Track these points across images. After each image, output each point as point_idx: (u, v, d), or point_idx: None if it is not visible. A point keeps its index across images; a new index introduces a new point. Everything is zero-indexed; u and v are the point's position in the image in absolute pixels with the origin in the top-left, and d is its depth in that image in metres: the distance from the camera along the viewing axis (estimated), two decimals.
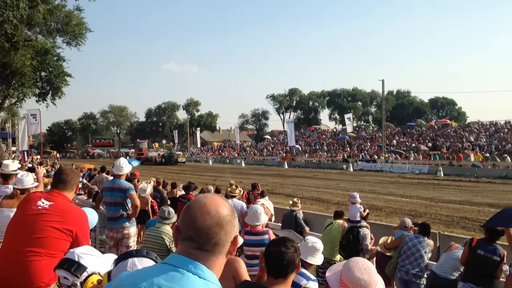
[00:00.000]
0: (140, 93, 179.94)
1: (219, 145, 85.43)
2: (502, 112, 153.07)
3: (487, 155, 35.53)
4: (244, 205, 8.70)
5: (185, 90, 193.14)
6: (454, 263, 5.65)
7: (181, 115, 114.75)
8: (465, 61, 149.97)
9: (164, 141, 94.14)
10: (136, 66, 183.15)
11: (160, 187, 10.83)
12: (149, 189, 9.60)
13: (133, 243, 6.31)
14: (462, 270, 5.59)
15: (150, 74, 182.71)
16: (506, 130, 43.07)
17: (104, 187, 6.48)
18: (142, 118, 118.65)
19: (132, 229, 6.29)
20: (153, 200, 9.90)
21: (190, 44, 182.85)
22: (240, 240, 1.50)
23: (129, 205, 6.17)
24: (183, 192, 10.67)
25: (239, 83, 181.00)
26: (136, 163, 38.29)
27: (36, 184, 5.21)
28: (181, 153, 64.02)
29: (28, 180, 4.95)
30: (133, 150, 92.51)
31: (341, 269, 2.27)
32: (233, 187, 9.80)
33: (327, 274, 2.36)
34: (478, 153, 36.26)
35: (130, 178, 8.27)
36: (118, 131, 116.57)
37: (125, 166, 6.35)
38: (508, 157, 34.22)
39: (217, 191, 10.46)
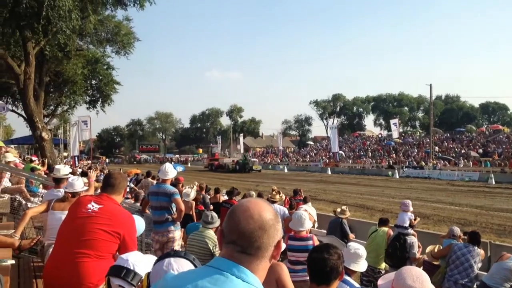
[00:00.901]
0: (185, 100, 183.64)
1: (262, 151, 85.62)
2: None
3: None
4: (286, 211, 8.71)
5: (228, 97, 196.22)
6: (506, 274, 5.39)
7: (225, 121, 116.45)
8: None
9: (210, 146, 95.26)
10: (181, 73, 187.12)
11: (203, 192, 10.99)
12: (193, 193, 9.76)
13: (177, 247, 6.43)
14: None
15: (194, 81, 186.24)
16: None
17: (150, 192, 6.65)
18: (186, 124, 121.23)
19: (177, 233, 6.41)
20: (200, 205, 10.04)
21: (232, 50, 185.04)
22: (283, 245, 1.50)
23: (174, 209, 6.30)
24: (226, 197, 10.79)
25: (282, 88, 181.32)
26: (180, 168, 38.84)
27: (86, 188, 5.41)
28: (256, 160, 57.90)
29: (79, 184, 5.14)
30: (177, 155, 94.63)
31: (393, 277, 2.23)
32: (274, 192, 9.81)
33: (379, 282, 2.33)
34: None
35: (175, 183, 8.44)
36: (164, 137, 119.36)
37: (170, 171, 6.50)
38: None
39: (259, 196, 10.51)
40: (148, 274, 1.96)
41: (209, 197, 11.24)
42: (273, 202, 9.28)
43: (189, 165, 70.16)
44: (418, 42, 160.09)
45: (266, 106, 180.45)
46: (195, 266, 1.84)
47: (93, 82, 33.83)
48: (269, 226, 1.41)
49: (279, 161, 65.70)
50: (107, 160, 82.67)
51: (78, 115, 38.03)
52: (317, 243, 5.25)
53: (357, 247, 3.65)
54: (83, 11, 18.25)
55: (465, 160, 40.22)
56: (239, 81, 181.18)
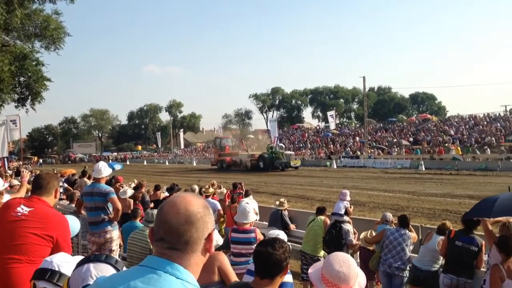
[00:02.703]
0: (122, 96, 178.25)
1: (203, 146, 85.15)
2: (481, 105, 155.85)
3: (468, 147, 36.21)
4: (217, 204, 8.88)
5: (167, 92, 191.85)
6: (433, 255, 5.75)
7: (164, 117, 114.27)
8: (444, 55, 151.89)
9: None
10: (117, 69, 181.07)
11: (143, 190, 10.76)
12: (130, 191, 9.55)
13: (115, 247, 6.27)
14: (442, 261, 5.70)
15: (132, 76, 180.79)
16: (485, 123, 43.85)
17: (84, 192, 6.43)
18: (124, 121, 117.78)
19: (114, 233, 6.25)
20: (139, 203, 9.81)
21: (171, 45, 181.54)
22: (218, 238, 1.50)
23: (110, 209, 6.13)
24: (167, 194, 10.65)
25: (221, 83, 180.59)
26: (119, 166, 37.48)
27: (6, 185, 5.13)
28: (293, 153, 42.75)
29: None
30: (115, 153, 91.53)
31: (322, 265, 2.29)
32: (207, 186, 9.86)
33: (309, 271, 2.35)
34: (458, 147, 36.87)
35: (111, 181, 8.20)
36: (100, 135, 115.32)
37: (104, 169, 6.31)
38: (488, 149, 34.89)
39: (200, 191, 10.50)
40: (69, 280, 1.90)
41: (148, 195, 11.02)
42: (207, 196, 9.34)
43: (128, 162, 68.33)
44: (350, 36, 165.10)
45: (206, 100, 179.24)
46: (117, 269, 1.81)
47: (22, 79, 31.85)
48: (197, 219, 1.39)
49: None
50: (41, 161, 78.61)
51: (6, 114, 35.99)
52: (260, 235, 5.32)
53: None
54: (9, 4, 17.20)
55: (398, 149, 42.26)
56: (179, 76, 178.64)
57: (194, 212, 1.39)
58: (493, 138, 37.62)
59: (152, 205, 9.82)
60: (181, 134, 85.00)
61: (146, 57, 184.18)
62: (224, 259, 3.79)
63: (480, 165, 30.52)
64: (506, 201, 5.07)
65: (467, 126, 44.36)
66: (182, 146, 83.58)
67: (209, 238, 1.43)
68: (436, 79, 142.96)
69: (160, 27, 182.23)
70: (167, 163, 63.50)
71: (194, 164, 57.51)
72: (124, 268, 1.86)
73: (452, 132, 43.25)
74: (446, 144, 38.76)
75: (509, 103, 59.48)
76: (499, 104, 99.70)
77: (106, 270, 1.77)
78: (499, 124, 41.69)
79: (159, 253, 1.37)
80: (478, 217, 5.30)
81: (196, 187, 10.73)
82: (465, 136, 40.98)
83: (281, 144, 49.64)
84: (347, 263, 2.19)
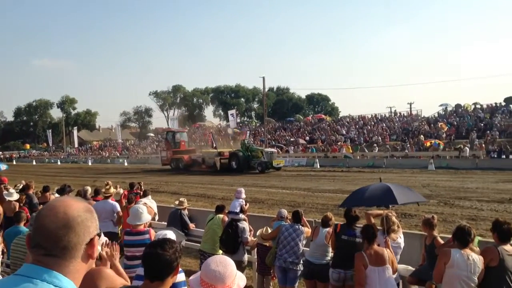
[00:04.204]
0: (7, 91, 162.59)
1: (99, 144, 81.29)
2: (369, 106, 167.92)
3: (358, 145, 39.03)
4: (117, 205, 8.55)
5: (59, 87, 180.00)
6: (323, 249, 6.12)
7: (56, 113, 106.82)
8: (337, 58, 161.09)
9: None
10: (1, 62, 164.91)
11: (31, 191, 10.00)
12: (16, 194, 8.85)
13: None
14: (331, 254, 6.10)
15: (19, 70, 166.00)
16: (372, 123, 47.50)
17: None
18: (10, 117, 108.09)
19: None
20: (24, 206, 9.10)
21: (65, 38, 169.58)
22: (102, 241, 1.46)
23: None
24: (57, 196, 10.01)
25: (119, 79, 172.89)
26: (4, 166, 34.06)
27: None
28: (275, 150, 34.46)
29: None
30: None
31: (201, 269, 2.30)
32: (107, 186, 9.45)
33: (190, 278, 2.32)
34: (349, 145, 39.53)
35: None
36: None
37: None
38: (376, 148, 37.88)
39: (96, 193, 10.04)
40: None
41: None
42: (107, 197, 8.96)
43: (14, 162, 62.89)
44: (251, 36, 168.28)
45: (102, 97, 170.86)
46: None
47: None
48: (76, 223, 1.33)
49: (118, 154, 63.19)
50: None
51: None
52: (154, 236, 5.24)
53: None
54: None
55: (295, 147, 44.09)
56: (72, 71, 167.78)
57: (74, 216, 1.33)
58: (380, 138, 40.90)
59: (40, 207, 9.17)
60: (75, 132, 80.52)
61: (35, 50, 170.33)
62: (111, 276, 3.57)
63: (368, 162, 33.00)
64: (374, 191, 5.68)
65: (357, 126, 47.65)
66: (76, 145, 79.01)
67: (91, 243, 1.37)
68: (331, 81, 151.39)
69: (50, 17, 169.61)
70: (59, 163, 59.69)
71: (90, 163, 54.59)
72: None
73: (344, 132, 46.22)
74: (339, 143, 41.32)
75: (394, 105, 65.03)
76: (385, 106, 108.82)
77: None
78: (384, 124, 45.44)
79: (35, 260, 1.30)
80: (352, 206, 5.82)
81: (89, 188, 10.24)
82: (355, 136, 44.01)
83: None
84: (224, 263, 2.21)
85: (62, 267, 1.30)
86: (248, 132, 42.17)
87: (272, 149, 33.53)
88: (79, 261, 1.35)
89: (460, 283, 4.31)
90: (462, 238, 4.47)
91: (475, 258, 4.36)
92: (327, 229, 6.14)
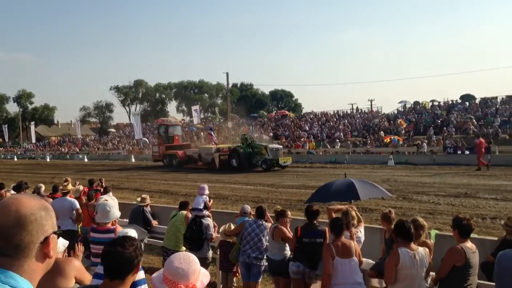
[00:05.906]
0: None
1: (58, 140, 78.93)
2: (331, 103, 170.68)
3: (320, 141, 39.55)
4: (76, 203, 8.37)
5: (15, 81, 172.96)
6: (281, 246, 6.17)
7: (12, 108, 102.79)
8: (300, 55, 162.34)
9: None
10: None
11: None
12: None
13: None
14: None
15: None
16: (335, 119, 48.24)
17: None
18: None
19: None
20: None
21: (21, 29, 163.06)
22: (58, 240, 1.42)
23: None
24: (13, 193, 9.67)
25: (79, 74, 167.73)
26: None
27: None
28: (281, 146, 31.15)
29: None
30: None
31: (164, 266, 2.28)
32: (66, 183, 9.21)
33: (153, 275, 2.28)
34: (312, 141, 40.03)
35: None
36: None
37: None
38: (338, 144, 38.51)
39: (54, 190, 9.79)
40: None
41: None
42: (65, 194, 8.73)
43: None
44: (216, 31, 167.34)
45: (61, 92, 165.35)
46: None
47: None
48: (29, 221, 1.30)
49: (78, 150, 61.57)
50: None
51: None
52: None
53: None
54: None
55: None
56: (29, 64, 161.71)
57: (26, 214, 1.30)
58: (342, 134, 41.61)
59: None
60: (32, 127, 77.59)
61: None
62: (81, 268, 3.63)
63: (330, 158, 33.51)
64: (339, 186, 5.79)
65: (320, 122, 48.27)
66: (34, 140, 76.34)
67: (46, 242, 1.34)
68: (294, 77, 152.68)
69: (3, 9, 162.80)
70: (15, 159, 57.50)
71: (48, 159, 52.90)
72: None
73: (307, 128, 46.75)
74: (302, 139, 41.76)
75: (356, 102, 66.41)
76: (347, 103, 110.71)
77: None
78: (346, 121, 46.23)
79: None
80: (318, 202, 5.91)
81: (43, 185, 9.95)
82: (317, 132, 44.61)
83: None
84: (187, 260, 2.20)
85: (16, 267, 1.27)
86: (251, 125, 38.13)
87: (277, 145, 30.54)
88: (34, 260, 1.32)
89: (412, 281, 4.46)
90: (402, 233, 4.51)
91: (422, 253, 4.48)
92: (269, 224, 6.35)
